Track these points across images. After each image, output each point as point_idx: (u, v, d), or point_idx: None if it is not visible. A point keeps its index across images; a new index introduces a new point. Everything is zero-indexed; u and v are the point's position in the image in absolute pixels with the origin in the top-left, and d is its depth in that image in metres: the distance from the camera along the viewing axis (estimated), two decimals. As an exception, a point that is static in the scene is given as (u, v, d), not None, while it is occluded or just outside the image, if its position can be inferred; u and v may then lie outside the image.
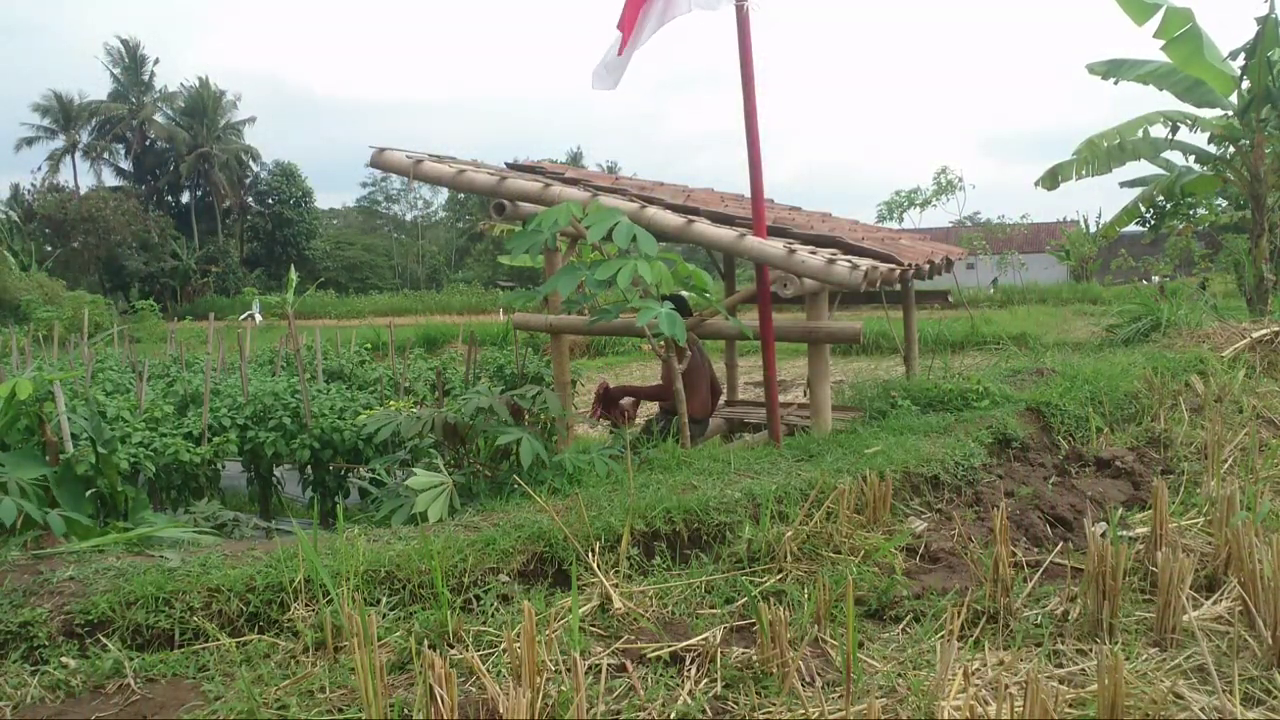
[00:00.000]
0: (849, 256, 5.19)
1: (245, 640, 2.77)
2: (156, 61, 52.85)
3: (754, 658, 2.61)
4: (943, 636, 2.71)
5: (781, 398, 7.78)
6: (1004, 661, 2.59)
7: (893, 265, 5.43)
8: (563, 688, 2.39)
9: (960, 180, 35.97)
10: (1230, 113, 11.14)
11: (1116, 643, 2.71)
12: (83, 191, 45.10)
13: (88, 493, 4.01)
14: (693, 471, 4.24)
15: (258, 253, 53.24)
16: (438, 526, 3.63)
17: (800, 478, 4.07)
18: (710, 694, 2.47)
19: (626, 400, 6.57)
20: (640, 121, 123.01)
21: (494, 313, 31.68)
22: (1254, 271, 11.20)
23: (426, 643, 2.70)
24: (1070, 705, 2.37)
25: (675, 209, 5.58)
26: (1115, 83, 11.33)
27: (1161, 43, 10.24)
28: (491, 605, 3.03)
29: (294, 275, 20.06)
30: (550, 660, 2.51)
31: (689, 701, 2.41)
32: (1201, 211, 13.87)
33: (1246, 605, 2.73)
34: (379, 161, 6.27)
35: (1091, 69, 11.51)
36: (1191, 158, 11.88)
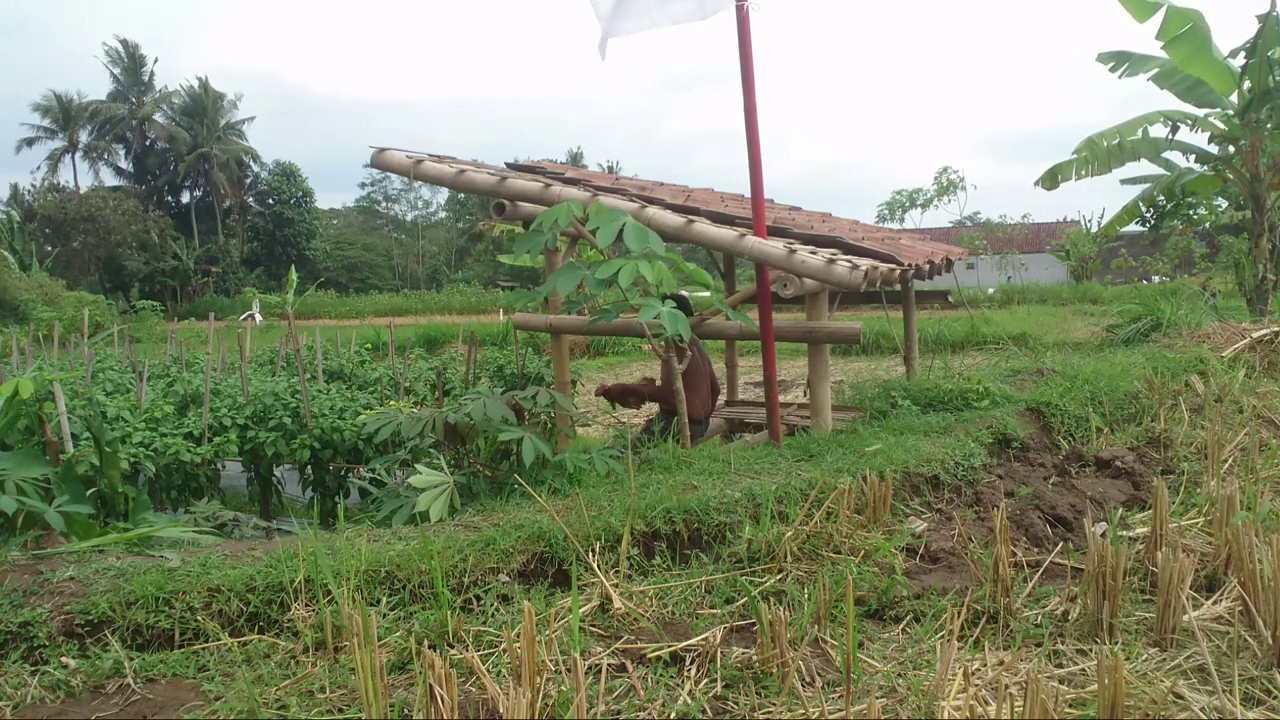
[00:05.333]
0: (849, 256, 5.19)
1: (245, 640, 2.77)
2: (156, 61, 53.16)
3: (754, 658, 2.61)
4: (943, 636, 2.71)
5: (781, 398, 7.78)
6: (1004, 661, 2.59)
7: (893, 265, 5.43)
8: (563, 688, 2.39)
9: (961, 180, 35.97)
10: (1231, 112, 11.14)
11: (1116, 643, 2.71)
12: (83, 191, 45.09)
13: (88, 493, 4.01)
14: (693, 471, 4.24)
15: (258, 253, 53.26)
16: (438, 526, 3.63)
17: (800, 478, 4.07)
18: (710, 694, 2.47)
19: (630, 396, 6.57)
20: (640, 121, 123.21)
21: (494, 313, 31.70)
22: (1254, 271, 11.20)
23: (426, 643, 2.70)
24: (1070, 705, 2.37)
25: (675, 209, 5.58)
26: (1120, 75, 11.32)
27: (1162, 42, 10.24)
28: (491, 605, 3.03)
29: (294, 275, 20.09)
30: (550, 660, 2.50)
31: (689, 701, 2.41)
32: (1201, 211, 13.85)
33: (1246, 605, 2.73)
34: (379, 161, 6.27)
35: (1101, 59, 11.53)
36: (1192, 157, 11.88)
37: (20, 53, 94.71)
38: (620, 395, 6.48)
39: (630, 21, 4.91)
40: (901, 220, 38.37)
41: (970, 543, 3.59)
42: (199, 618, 2.81)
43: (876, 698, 2.17)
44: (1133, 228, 13.90)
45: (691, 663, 2.63)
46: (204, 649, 2.72)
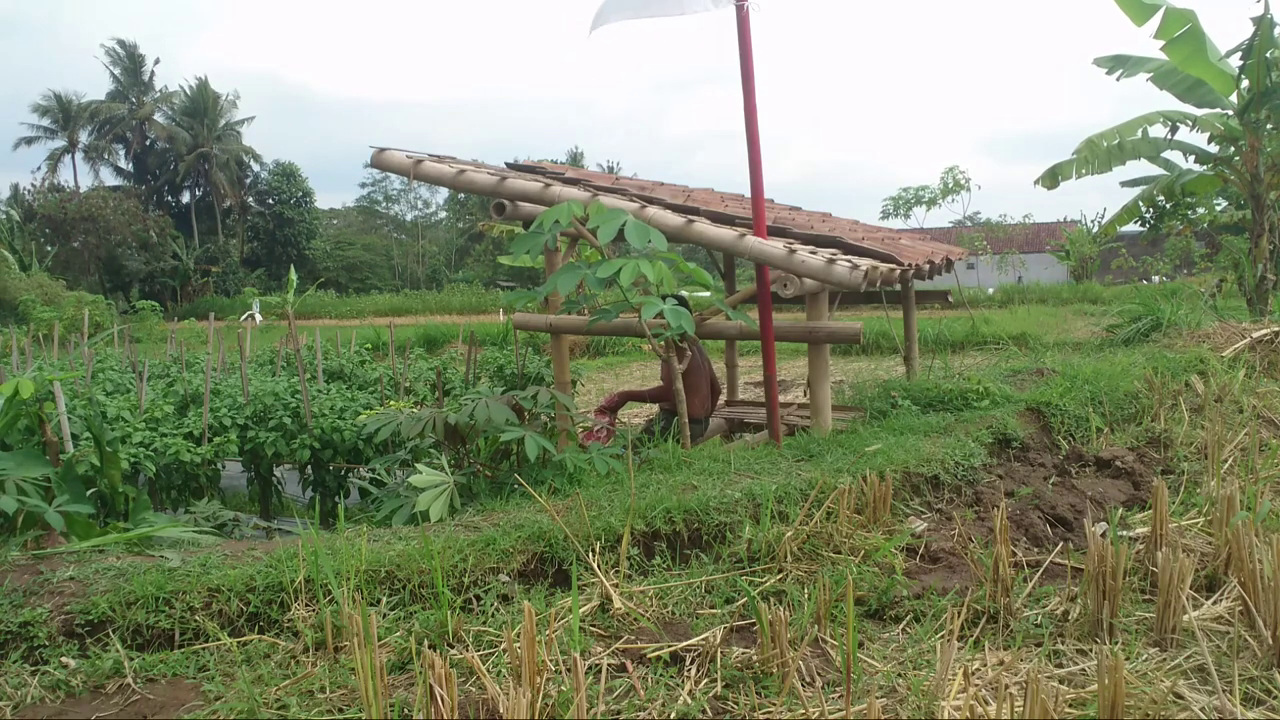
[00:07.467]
0: (849, 256, 5.19)
1: (245, 640, 2.77)
2: (156, 61, 53.07)
3: (754, 658, 2.61)
4: (943, 636, 2.71)
5: (781, 398, 7.78)
6: (1004, 661, 2.59)
7: (893, 265, 5.43)
8: (563, 688, 2.39)
9: (968, 180, 36.22)
10: (1230, 112, 11.14)
11: (1116, 643, 2.72)
12: (83, 191, 45.07)
13: (88, 493, 4.01)
14: (693, 471, 4.24)
15: (258, 253, 53.22)
16: (438, 526, 3.63)
17: (800, 478, 4.07)
18: (710, 694, 2.47)
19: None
20: (640, 121, 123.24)
21: (494, 313, 31.69)
22: (1254, 271, 11.20)
23: (426, 643, 2.70)
24: (1070, 705, 2.37)
25: (675, 209, 5.58)
26: (1118, 78, 11.33)
27: (1161, 43, 10.24)
28: (491, 605, 3.03)
29: (294, 275, 20.10)
30: (550, 660, 2.50)
31: (689, 701, 2.41)
32: (1201, 211, 13.85)
33: (1246, 605, 2.73)
34: (379, 161, 6.27)
35: (1098, 62, 11.54)
36: (1191, 158, 11.88)
37: (20, 53, 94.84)
38: (622, 405, 6.49)
39: (631, 10, 4.92)
40: (908, 216, 38.50)
41: (970, 543, 3.59)
42: (199, 618, 2.81)
43: (876, 698, 2.17)
44: (1133, 227, 13.90)
45: (691, 663, 2.63)
46: (204, 649, 2.72)
